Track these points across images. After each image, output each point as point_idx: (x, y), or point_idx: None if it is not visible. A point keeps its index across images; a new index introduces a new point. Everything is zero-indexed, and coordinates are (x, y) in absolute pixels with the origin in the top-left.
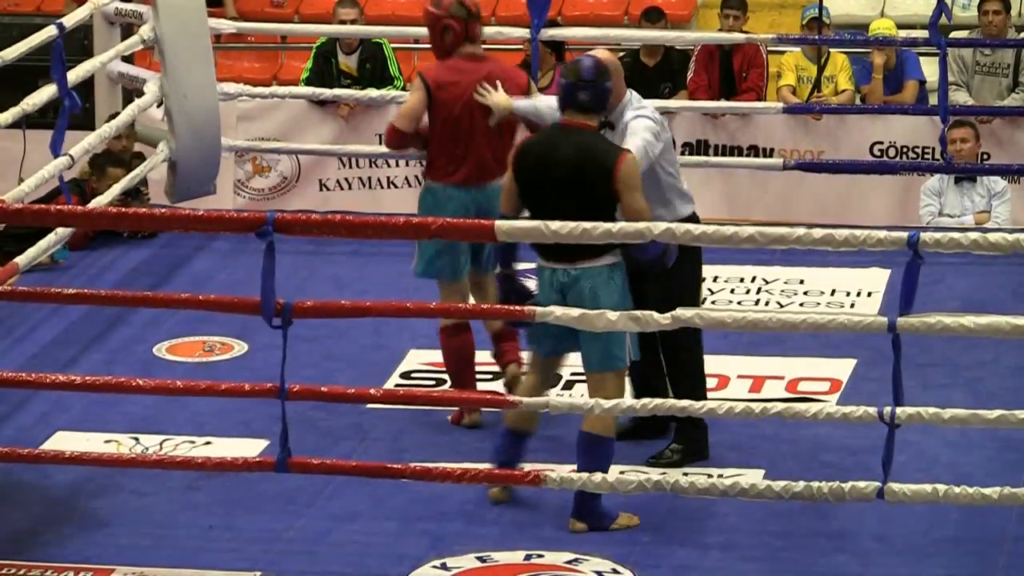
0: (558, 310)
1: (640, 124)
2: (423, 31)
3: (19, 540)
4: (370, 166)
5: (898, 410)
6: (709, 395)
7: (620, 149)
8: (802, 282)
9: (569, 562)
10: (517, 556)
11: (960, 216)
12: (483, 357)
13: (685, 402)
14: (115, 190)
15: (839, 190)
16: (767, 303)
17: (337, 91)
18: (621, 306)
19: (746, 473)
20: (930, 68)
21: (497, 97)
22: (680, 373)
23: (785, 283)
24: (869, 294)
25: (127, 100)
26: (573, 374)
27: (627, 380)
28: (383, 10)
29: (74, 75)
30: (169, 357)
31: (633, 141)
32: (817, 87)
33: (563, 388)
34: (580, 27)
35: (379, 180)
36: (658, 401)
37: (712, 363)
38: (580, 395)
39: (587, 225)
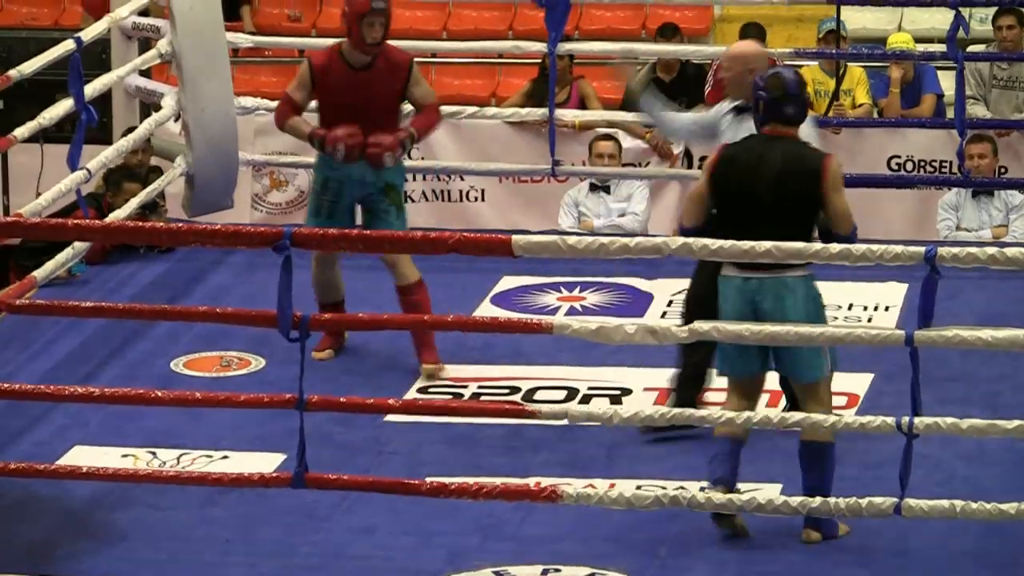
0: (575, 323)
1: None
2: (440, 45)
3: (36, 554)
4: None
5: (916, 420)
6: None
7: (824, 153)
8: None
9: None
10: (535, 571)
11: (978, 230)
12: (499, 372)
13: (715, 410)
14: (132, 204)
15: (857, 204)
16: None
17: None
18: (809, 318)
19: (764, 488)
20: (947, 82)
21: None
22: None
23: None
24: (887, 308)
25: (144, 114)
26: (591, 388)
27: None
28: (399, 24)
29: (91, 89)
30: (187, 372)
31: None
32: (835, 100)
33: (580, 402)
34: (597, 41)
35: None
36: (689, 412)
37: None
38: (599, 408)
39: (604, 240)
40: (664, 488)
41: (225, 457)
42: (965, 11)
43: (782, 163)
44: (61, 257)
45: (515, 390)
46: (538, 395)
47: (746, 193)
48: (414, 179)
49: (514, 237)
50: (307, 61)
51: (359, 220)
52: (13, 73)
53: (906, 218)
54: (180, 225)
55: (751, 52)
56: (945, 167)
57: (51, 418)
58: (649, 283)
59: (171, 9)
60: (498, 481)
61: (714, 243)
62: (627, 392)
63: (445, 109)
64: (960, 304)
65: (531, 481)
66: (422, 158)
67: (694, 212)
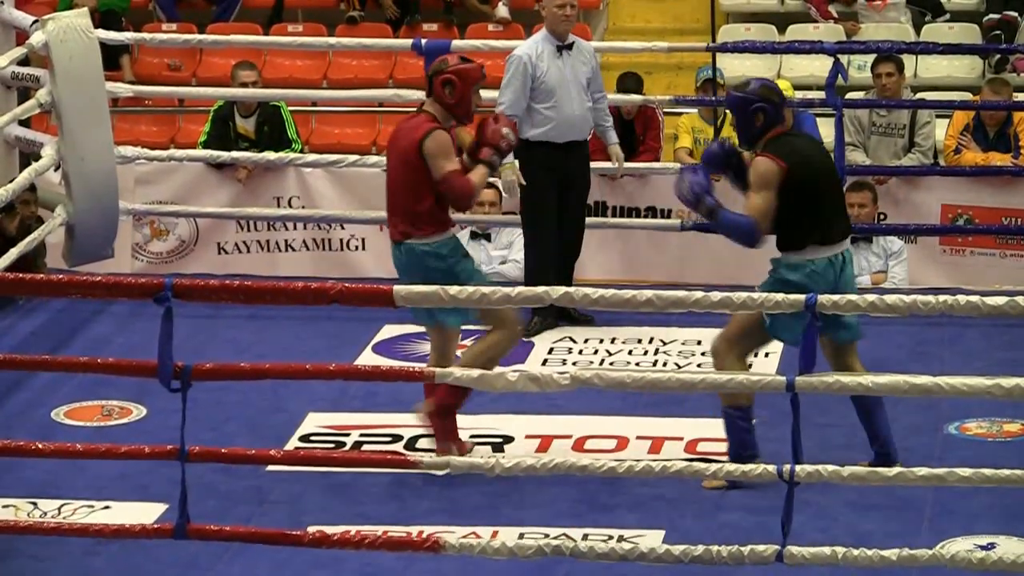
0: (457, 371)
1: None
2: (321, 94)
3: None
4: (268, 229)
5: (797, 468)
6: (609, 457)
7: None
8: (700, 343)
9: None
10: None
11: (857, 277)
12: (381, 420)
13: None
14: (12, 254)
15: (737, 251)
16: (665, 364)
17: (235, 154)
18: None
19: (646, 535)
20: (827, 129)
21: None
22: None
23: (683, 344)
24: (767, 354)
25: (24, 164)
26: (472, 435)
27: None
28: (280, 73)
29: None
30: (68, 421)
31: None
32: None
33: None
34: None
35: (277, 243)
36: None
37: (611, 424)
38: (481, 459)
39: (486, 290)
40: (547, 535)
41: (107, 507)
42: (844, 58)
43: (819, 147)
44: None
45: (397, 438)
46: (420, 443)
47: (825, 180)
48: (295, 228)
49: (395, 288)
50: (443, 131)
51: None
52: None
53: None
54: (60, 277)
55: None
56: None
57: None
58: None
59: (51, 59)
60: (380, 531)
61: (595, 292)
62: (509, 439)
63: (326, 158)
64: None
65: (413, 530)
66: (303, 207)
67: (770, 222)
